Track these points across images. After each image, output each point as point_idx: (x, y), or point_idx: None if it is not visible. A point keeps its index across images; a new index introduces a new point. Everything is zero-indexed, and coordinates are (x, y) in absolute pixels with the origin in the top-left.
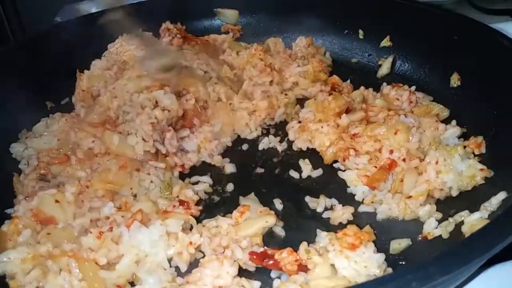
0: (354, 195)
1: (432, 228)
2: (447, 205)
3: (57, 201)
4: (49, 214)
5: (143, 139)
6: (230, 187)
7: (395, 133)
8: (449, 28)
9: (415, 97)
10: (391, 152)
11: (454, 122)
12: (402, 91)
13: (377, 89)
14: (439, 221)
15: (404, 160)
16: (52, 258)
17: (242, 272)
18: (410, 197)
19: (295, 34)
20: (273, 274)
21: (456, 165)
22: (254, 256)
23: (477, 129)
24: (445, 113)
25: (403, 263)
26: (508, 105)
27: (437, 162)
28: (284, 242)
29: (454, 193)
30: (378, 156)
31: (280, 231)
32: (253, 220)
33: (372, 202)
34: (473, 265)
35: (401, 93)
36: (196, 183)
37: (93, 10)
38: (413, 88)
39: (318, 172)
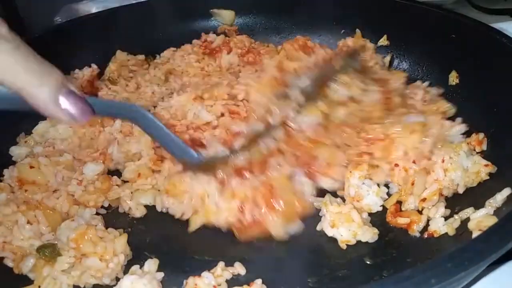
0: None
1: (439, 226)
2: (452, 203)
3: (32, 167)
4: (30, 179)
5: None
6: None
7: (411, 133)
8: (446, 27)
9: (429, 95)
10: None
11: (459, 119)
12: (416, 89)
13: None
14: (445, 219)
15: (414, 162)
16: (22, 212)
17: None
18: (424, 199)
19: (292, 34)
20: None
21: (462, 162)
22: None
23: (477, 126)
24: (452, 110)
25: (409, 260)
26: (508, 102)
27: (443, 161)
28: None
29: (461, 190)
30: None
31: None
32: None
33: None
34: (489, 260)
35: (415, 91)
36: None
37: (93, 10)
38: (426, 84)
39: None
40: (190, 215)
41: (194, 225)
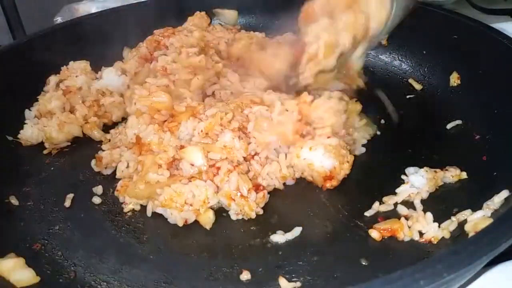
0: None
1: (435, 231)
2: (450, 205)
3: None
4: None
5: None
6: None
7: None
8: (448, 28)
9: None
10: None
11: None
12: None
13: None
14: (440, 221)
15: None
16: None
17: None
18: None
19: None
20: None
21: None
22: None
23: (478, 127)
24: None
25: (406, 261)
26: (508, 104)
27: None
28: None
29: None
30: None
31: None
32: None
33: None
34: (480, 262)
35: None
36: None
37: (93, 10)
38: None
39: None
40: (195, 219)
41: (209, 223)
